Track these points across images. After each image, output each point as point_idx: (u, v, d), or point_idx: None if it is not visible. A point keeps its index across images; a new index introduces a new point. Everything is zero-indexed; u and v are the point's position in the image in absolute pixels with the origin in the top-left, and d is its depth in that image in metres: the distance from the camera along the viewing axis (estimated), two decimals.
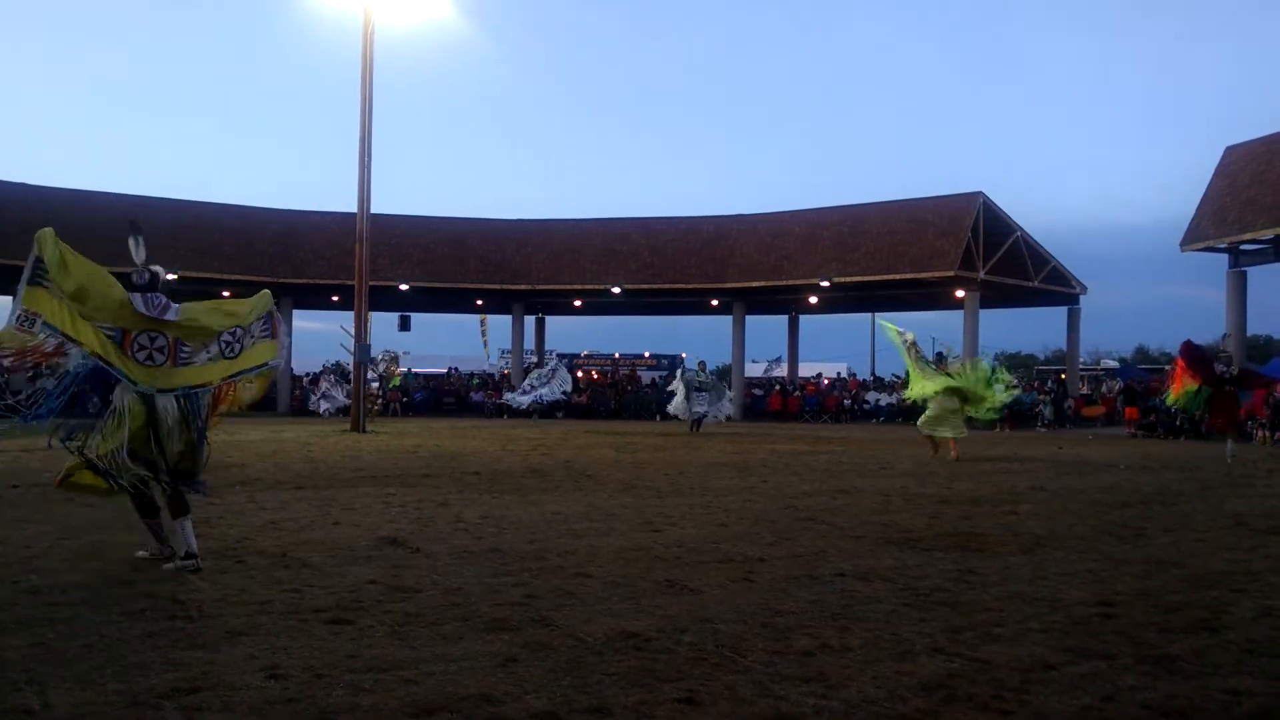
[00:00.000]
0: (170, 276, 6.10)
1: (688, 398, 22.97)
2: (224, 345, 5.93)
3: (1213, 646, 4.12)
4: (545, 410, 28.87)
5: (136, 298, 5.67)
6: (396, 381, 31.80)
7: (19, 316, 5.21)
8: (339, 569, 5.58)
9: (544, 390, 28.15)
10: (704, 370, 24.80)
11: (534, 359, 35.59)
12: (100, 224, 28.78)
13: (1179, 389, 15.66)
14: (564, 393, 28.94)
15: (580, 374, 38.86)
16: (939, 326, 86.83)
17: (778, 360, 40.85)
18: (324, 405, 28.80)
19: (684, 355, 51.65)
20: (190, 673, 3.57)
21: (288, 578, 5.32)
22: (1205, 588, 5.36)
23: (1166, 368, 44.92)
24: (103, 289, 5.51)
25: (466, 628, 4.29)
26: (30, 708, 3.21)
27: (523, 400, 28.46)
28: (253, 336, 6.09)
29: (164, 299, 5.77)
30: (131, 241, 6.06)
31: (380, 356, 29.52)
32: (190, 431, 5.73)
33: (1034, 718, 3.26)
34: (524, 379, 29.94)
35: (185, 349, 5.78)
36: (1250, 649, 4.08)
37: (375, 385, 28.41)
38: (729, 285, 32.09)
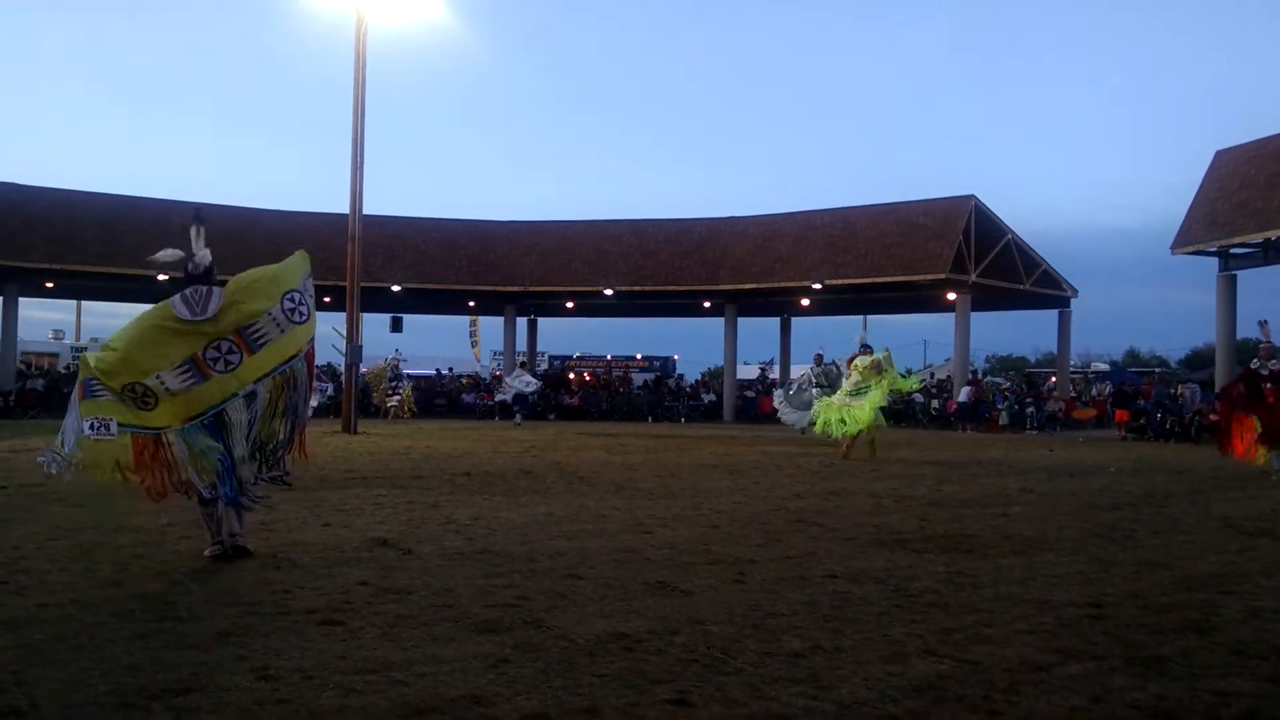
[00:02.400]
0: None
1: (798, 399, 19.20)
2: (289, 313, 5.89)
3: (1201, 648, 4.14)
4: (527, 409, 28.55)
5: (179, 304, 5.68)
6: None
7: (92, 425, 5.33)
8: (329, 570, 5.57)
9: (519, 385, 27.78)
10: (820, 363, 19.49)
11: (523, 357, 35.55)
12: (88, 224, 28.79)
13: (1242, 445, 12.39)
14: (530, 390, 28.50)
15: (572, 375, 38.84)
16: (930, 329, 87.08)
17: (770, 363, 40.84)
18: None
19: (676, 357, 51.71)
20: (180, 674, 3.56)
21: (278, 579, 5.30)
22: (1194, 589, 5.38)
23: (1156, 370, 45.07)
24: (151, 341, 5.60)
25: (457, 629, 4.29)
26: (19, 709, 3.20)
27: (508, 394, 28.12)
28: (308, 296, 6.07)
29: (205, 289, 5.77)
30: (193, 230, 6.18)
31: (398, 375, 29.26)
32: (285, 413, 5.98)
33: (1024, 718, 3.27)
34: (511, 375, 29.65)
35: (253, 329, 5.75)
36: (1239, 650, 4.10)
37: (395, 397, 28.12)
38: (721, 287, 32.10)
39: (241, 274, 6.01)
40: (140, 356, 5.55)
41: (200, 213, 6.44)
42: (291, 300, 5.92)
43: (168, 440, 5.69)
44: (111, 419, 5.41)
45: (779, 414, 20.22)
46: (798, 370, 38.67)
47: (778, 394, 20.95)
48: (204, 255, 6.03)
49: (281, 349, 5.84)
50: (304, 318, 5.97)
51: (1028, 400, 29.52)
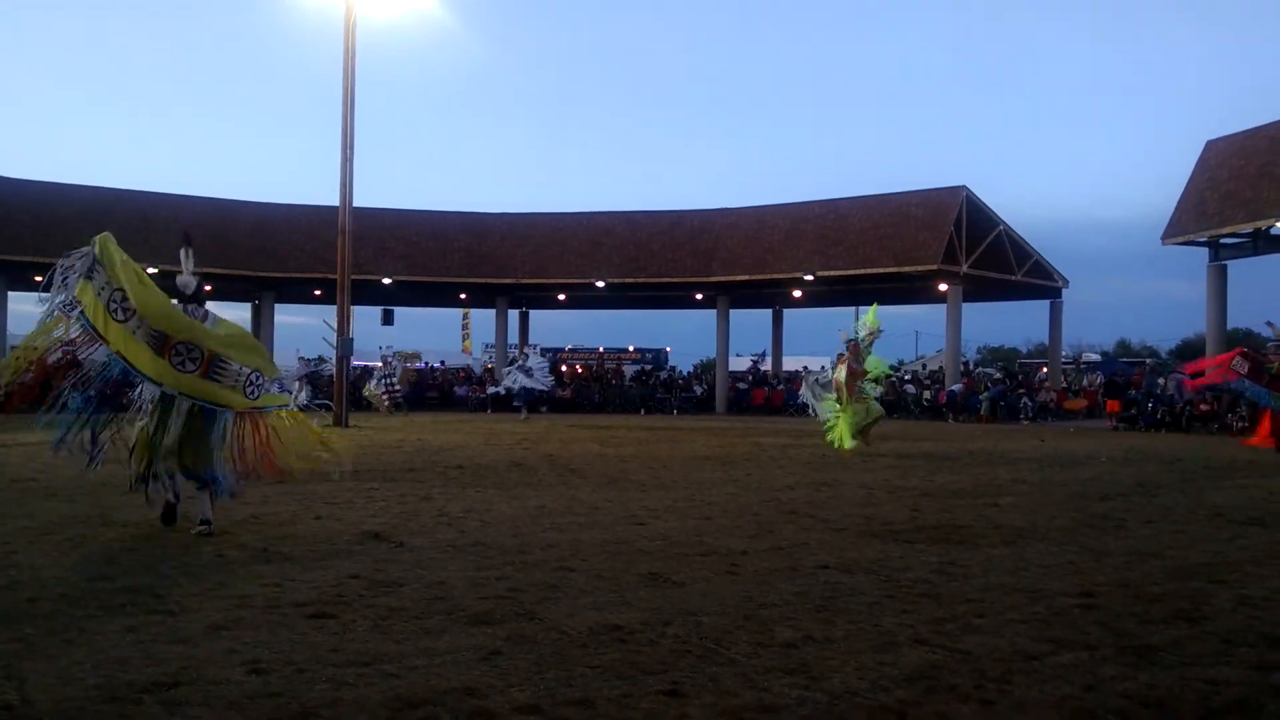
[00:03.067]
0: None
1: (816, 394, 17.40)
2: (244, 378, 6.63)
3: (1192, 637, 4.16)
4: (532, 402, 28.13)
5: (180, 306, 6.66)
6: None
7: (66, 301, 6.15)
8: (321, 563, 5.56)
9: (530, 380, 27.08)
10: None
11: (515, 350, 35.42)
12: (76, 217, 28.55)
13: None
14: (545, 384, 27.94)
15: (565, 368, 38.76)
16: (922, 320, 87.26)
17: (762, 354, 40.87)
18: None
19: (668, 349, 51.62)
20: (171, 667, 3.55)
21: (269, 572, 5.29)
22: (1184, 579, 5.40)
23: (1147, 360, 45.21)
24: (155, 302, 6.34)
25: (449, 621, 4.29)
26: (9, 703, 3.19)
27: (509, 384, 27.50)
28: (267, 389, 6.91)
29: (202, 310, 6.80)
30: (182, 252, 7.04)
31: (394, 362, 29.01)
32: (203, 439, 6.48)
33: (1015, 708, 3.28)
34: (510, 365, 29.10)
35: (221, 365, 6.52)
36: (1229, 639, 4.12)
37: (391, 389, 27.88)
38: (713, 279, 32.11)
39: (241, 330, 7.06)
40: (141, 296, 6.24)
41: (189, 234, 7.32)
42: (259, 377, 6.75)
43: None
44: (80, 306, 6.17)
45: (806, 402, 18.78)
46: (790, 362, 38.87)
47: (805, 381, 19.62)
48: (190, 280, 6.93)
49: (213, 391, 6.50)
50: (254, 394, 6.70)
51: (1020, 391, 29.57)
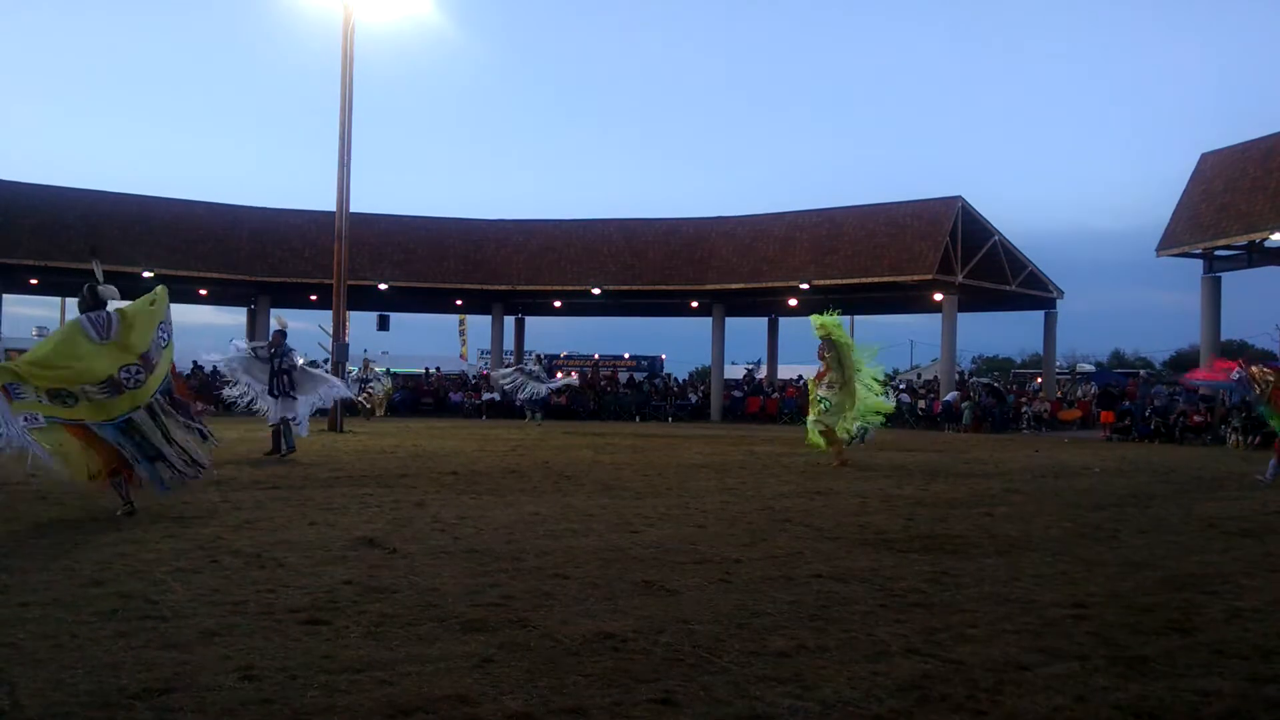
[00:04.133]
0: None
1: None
2: (160, 341, 7.60)
3: (1184, 648, 4.17)
4: (540, 401, 27.81)
5: (87, 326, 7.19)
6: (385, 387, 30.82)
7: (24, 417, 6.71)
8: (314, 569, 5.55)
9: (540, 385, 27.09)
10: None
11: (512, 359, 35.42)
12: (73, 221, 28.59)
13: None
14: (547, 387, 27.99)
15: (560, 374, 38.76)
16: (917, 330, 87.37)
17: (757, 363, 40.91)
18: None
19: (664, 356, 51.66)
20: (163, 673, 3.54)
21: (263, 578, 5.28)
22: (1177, 589, 5.41)
23: (1143, 373, 45.29)
24: (74, 356, 7.04)
25: (443, 628, 4.28)
26: (0, 708, 3.18)
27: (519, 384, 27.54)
28: (170, 325, 7.77)
29: (106, 315, 7.33)
30: (94, 265, 7.82)
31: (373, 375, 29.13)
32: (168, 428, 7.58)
33: (1007, 718, 3.28)
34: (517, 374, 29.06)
35: (149, 354, 7.40)
36: (1220, 650, 4.12)
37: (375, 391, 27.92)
38: (708, 287, 32.13)
39: (130, 305, 7.57)
40: (67, 372, 6.96)
41: (95, 249, 8.25)
42: (163, 330, 7.62)
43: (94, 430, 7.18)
44: (38, 414, 6.85)
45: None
46: (785, 371, 38.86)
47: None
48: (110, 290, 7.59)
49: (161, 371, 7.50)
50: (166, 343, 7.65)
51: (1022, 401, 29.51)
